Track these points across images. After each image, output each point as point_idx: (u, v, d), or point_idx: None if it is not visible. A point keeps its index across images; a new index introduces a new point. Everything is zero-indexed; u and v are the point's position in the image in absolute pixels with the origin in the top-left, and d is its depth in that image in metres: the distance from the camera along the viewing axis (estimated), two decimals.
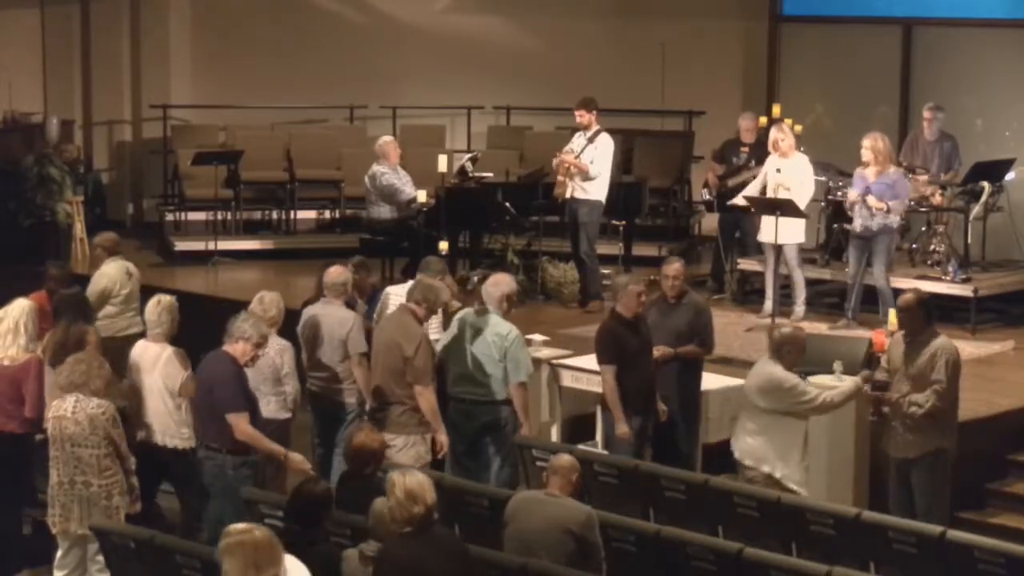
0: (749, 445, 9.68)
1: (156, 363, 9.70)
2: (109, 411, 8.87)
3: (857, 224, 13.07)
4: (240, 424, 9.06)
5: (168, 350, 9.74)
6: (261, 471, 9.32)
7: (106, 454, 8.84)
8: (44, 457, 9.29)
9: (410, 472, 7.30)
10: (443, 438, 10.02)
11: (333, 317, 10.54)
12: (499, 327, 10.27)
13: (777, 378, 9.59)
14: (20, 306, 9.83)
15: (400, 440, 9.90)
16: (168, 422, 9.71)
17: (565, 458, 8.37)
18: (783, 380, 9.58)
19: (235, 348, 9.21)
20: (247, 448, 9.11)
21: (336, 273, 10.72)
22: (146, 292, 14.67)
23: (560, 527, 8.03)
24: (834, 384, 10.06)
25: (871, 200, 12.85)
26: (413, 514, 7.04)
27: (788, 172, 13.34)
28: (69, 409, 8.86)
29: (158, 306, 9.85)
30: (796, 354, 9.70)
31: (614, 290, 10.47)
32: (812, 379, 10.64)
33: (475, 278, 14.24)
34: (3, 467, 9.74)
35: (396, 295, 10.95)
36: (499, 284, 10.42)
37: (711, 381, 10.97)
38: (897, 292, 12.71)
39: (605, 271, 14.72)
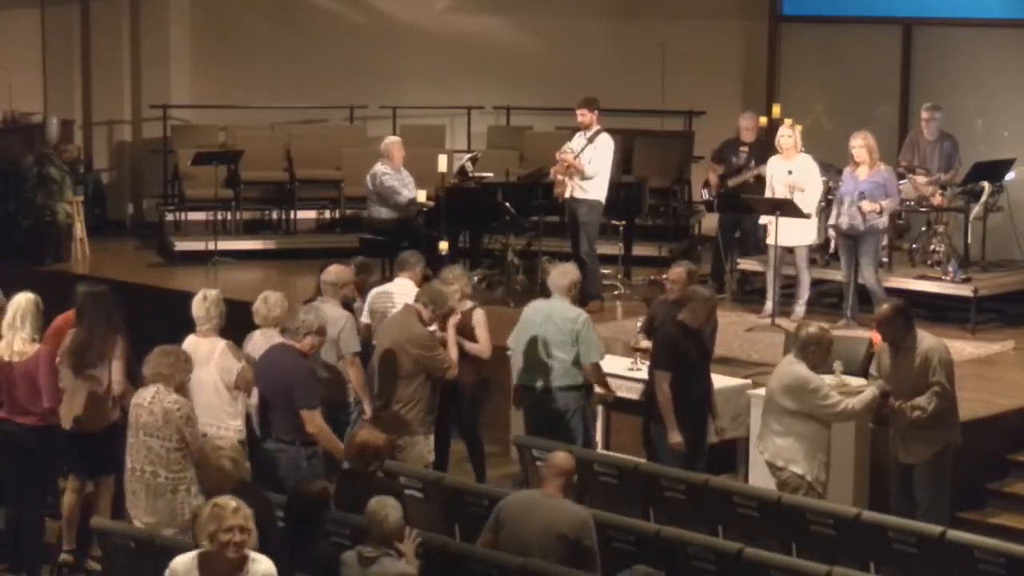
0: (778, 446, 9.57)
1: (210, 357, 9.71)
2: (184, 409, 8.92)
3: (844, 222, 13.06)
4: (315, 419, 9.24)
5: (221, 343, 9.80)
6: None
7: (176, 448, 8.88)
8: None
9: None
10: None
11: (327, 316, 10.55)
12: (567, 312, 10.47)
13: (801, 378, 9.51)
14: (20, 299, 9.81)
15: (403, 440, 9.96)
16: (221, 415, 9.76)
17: (562, 457, 8.30)
18: (807, 381, 9.50)
19: (303, 343, 9.40)
20: (316, 439, 9.29)
21: (332, 272, 10.76)
22: (147, 292, 14.84)
23: (556, 532, 7.98)
24: (858, 387, 10.04)
25: (865, 205, 12.84)
26: (245, 472, 7.74)
27: (800, 173, 13.35)
28: (147, 398, 8.94)
29: (205, 301, 9.90)
30: (821, 355, 9.64)
31: (688, 295, 10.37)
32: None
33: (475, 279, 14.26)
34: (28, 461, 9.80)
35: (399, 295, 11.02)
36: (566, 273, 10.69)
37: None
38: (893, 291, 12.75)
39: (605, 271, 14.74)
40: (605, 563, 8.34)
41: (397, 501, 7.60)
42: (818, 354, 9.61)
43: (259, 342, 10.06)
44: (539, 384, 10.51)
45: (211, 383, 9.73)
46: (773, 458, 9.61)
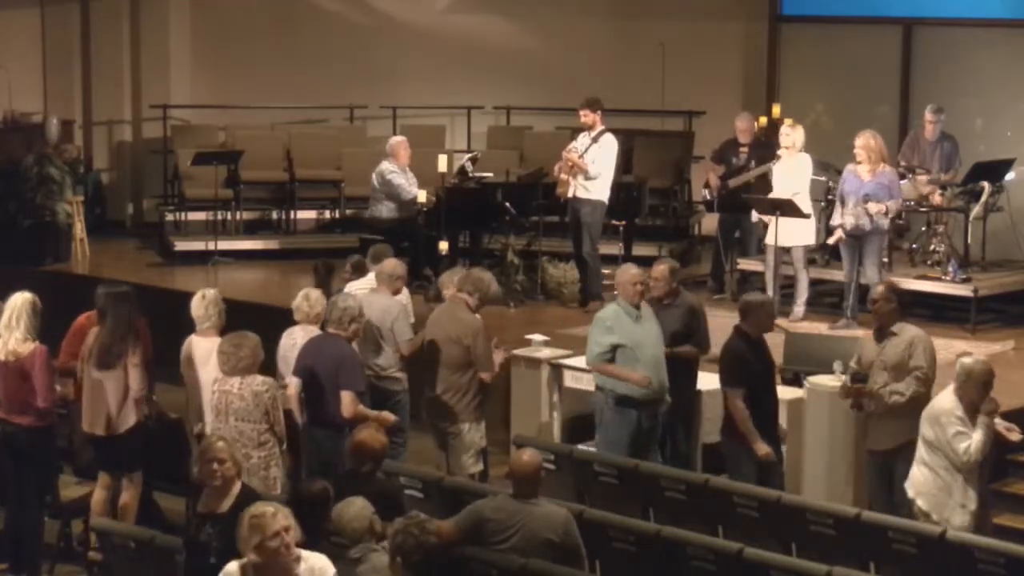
0: (913, 474, 9.15)
1: (210, 356, 9.72)
2: (272, 389, 9.25)
3: (849, 222, 13.06)
4: (349, 401, 9.47)
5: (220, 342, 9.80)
6: None
7: (265, 428, 9.19)
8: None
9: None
10: None
11: (380, 305, 10.72)
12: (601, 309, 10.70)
13: (944, 410, 9.03)
14: (16, 299, 9.79)
15: (460, 427, 10.30)
16: None
17: (527, 456, 8.21)
18: (943, 414, 9.01)
19: (348, 331, 9.69)
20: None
21: (389, 264, 11.00)
22: (147, 292, 14.83)
23: (541, 539, 7.95)
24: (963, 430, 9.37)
25: (872, 207, 12.82)
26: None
27: (786, 172, 13.36)
28: (236, 386, 9.21)
29: (203, 300, 10.01)
30: (974, 389, 9.02)
31: (744, 307, 10.17)
32: (811, 379, 10.65)
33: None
34: (26, 461, 9.80)
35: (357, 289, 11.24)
36: (626, 271, 10.71)
37: (707, 381, 10.92)
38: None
39: (605, 271, 14.73)
40: (605, 563, 8.34)
41: (364, 500, 7.53)
42: (968, 387, 9.01)
43: (300, 338, 10.14)
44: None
45: (211, 382, 9.70)
46: (908, 486, 9.25)
